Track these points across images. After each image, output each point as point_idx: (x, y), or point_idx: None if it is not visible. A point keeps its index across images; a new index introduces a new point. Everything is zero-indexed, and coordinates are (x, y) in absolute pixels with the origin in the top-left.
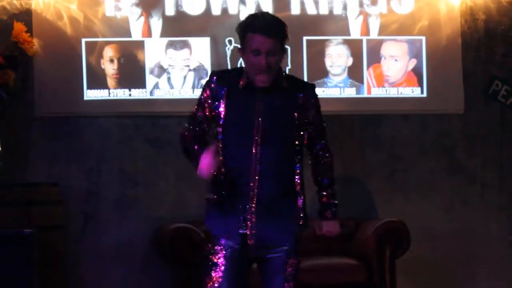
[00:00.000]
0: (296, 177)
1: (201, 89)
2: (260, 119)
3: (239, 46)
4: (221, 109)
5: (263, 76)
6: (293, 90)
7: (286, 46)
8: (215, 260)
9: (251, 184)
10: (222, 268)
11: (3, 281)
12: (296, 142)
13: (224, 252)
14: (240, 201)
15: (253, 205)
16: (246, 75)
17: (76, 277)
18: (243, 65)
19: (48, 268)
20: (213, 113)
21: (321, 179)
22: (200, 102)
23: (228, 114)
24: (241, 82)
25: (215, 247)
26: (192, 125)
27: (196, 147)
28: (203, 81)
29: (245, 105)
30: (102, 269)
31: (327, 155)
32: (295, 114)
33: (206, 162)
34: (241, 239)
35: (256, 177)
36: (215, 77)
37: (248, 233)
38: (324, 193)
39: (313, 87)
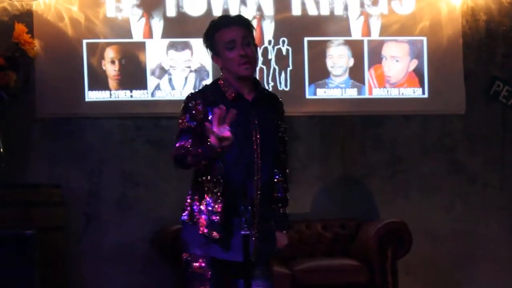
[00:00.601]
0: (280, 186)
1: (183, 108)
2: (256, 132)
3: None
4: None
5: (246, 64)
6: (273, 101)
7: (287, 47)
8: (202, 270)
9: (255, 200)
10: (208, 276)
11: (4, 282)
12: (280, 150)
13: (205, 259)
14: (240, 204)
15: (256, 222)
16: (229, 84)
17: (77, 278)
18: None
19: (49, 269)
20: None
21: (282, 195)
22: (189, 117)
23: None
24: (229, 94)
25: (200, 258)
26: (185, 138)
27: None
28: (204, 82)
29: (240, 120)
30: (103, 270)
31: (286, 169)
32: (278, 124)
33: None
34: (243, 242)
35: (259, 192)
36: (198, 96)
37: (253, 248)
38: (283, 207)
39: (281, 100)
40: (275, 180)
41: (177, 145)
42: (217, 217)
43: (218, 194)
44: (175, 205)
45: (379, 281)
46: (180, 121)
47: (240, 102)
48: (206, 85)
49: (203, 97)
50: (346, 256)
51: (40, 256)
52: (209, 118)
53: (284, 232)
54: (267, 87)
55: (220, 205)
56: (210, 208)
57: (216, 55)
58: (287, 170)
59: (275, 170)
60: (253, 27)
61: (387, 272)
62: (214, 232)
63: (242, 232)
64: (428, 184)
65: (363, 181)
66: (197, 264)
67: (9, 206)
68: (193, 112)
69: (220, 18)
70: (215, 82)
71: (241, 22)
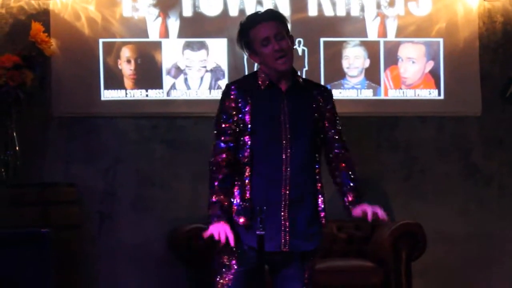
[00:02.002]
0: (317, 176)
1: (219, 104)
2: (287, 120)
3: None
4: (247, 116)
5: (282, 59)
6: (311, 90)
7: (303, 48)
8: (227, 263)
9: (283, 191)
10: (233, 271)
11: (20, 280)
12: (317, 141)
13: (236, 255)
14: (271, 200)
15: (286, 210)
16: (265, 74)
17: (92, 277)
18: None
19: (64, 268)
20: (237, 125)
21: (346, 175)
22: (225, 115)
23: (255, 120)
24: (262, 83)
25: (228, 251)
26: (222, 147)
27: (220, 176)
28: (220, 82)
29: (270, 108)
30: (118, 269)
31: (347, 153)
32: (315, 113)
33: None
34: (258, 241)
35: (288, 182)
36: (233, 86)
37: (282, 239)
38: (353, 184)
39: (327, 87)
40: (343, 166)
41: (215, 155)
42: (245, 204)
43: (246, 182)
44: (190, 205)
45: (393, 282)
46: (217, 114)
47: (272, 91)
48: (246, 74)
49: (238, 86)
50: (361, 257)
51: (55, 254)
52: (240, 107)
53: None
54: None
55: (248, 192)
56: (238, 197)
57: (253, 53)
58: (351, 160)
59: (333, 158)
60: (285, 19)
61: (401, 274)
62: (241, 218)
63: (258, 232)
64: (443, 186)
65: (378, 183)
66: (224, 256)
67: (25, 205)
68: (228, 100)
69: (251, 16)
70: (254, 72)
71: (273, 17)
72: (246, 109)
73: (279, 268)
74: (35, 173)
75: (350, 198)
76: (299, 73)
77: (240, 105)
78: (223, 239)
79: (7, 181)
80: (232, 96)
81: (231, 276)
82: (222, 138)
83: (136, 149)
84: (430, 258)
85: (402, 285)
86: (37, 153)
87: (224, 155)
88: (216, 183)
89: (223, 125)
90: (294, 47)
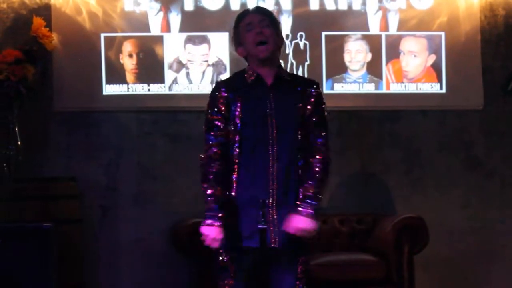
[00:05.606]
0: (300, 171)
1: (209, 100)
2: (273, 115)
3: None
4: (237, 114)
5: (263, 46)
6: (297, 84)
7: (305, 42)
8: (226, 264)
9: (270, 187)
10: (233, 273)
11: (22, 274)
12: (300, 137)
13: (234, 255)
14: (259, 196)
15: (274, 207)
16: (251, 68)
17: (94, 271)
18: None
19: (66, 262)
20: (226, 121)
21: (310, 175)
22: (215, 109)
23: (245, 117)
24: (251, 78)
25: (223, 252)
26: (212, 140)
27: (214, 169)
28: (221, 77)
29: (258, 103)
30: (120, 263)
31: (324, 151)
32: (300, 108)
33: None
34: (260, 236)
35: (275, 178)
36: (223, 85)
37: (272, 234)
38: (308, 187)
39: (316, 83)
40: (313, 165)
41: (206, 149)
42: (230, 202)
43: (233, 179)
44: (192, 199)
45: (396, 276)
46: (206, 109)
47: (258, 85)
48: (235, 72)
49: (227, 84)
50: (363, 251)
51: (57, 248)
52: (230, 106)
53: (301, 214)
54: None
55: (233, 192)
56: (226, 193)
57: (239, 45)
58: (323, 157)
59: (311, 159)
60: (274, 17)
61: (403, 267)
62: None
63: (259, 226)
64: (445, 180)
65: (380, 176)
66: (221, 258)
67: (27, 199)
68: (217, 104)
69: (244, 10)
70: (243, 69)
71: (261, 11)
72: (237, 107)
73: (272, 262)
74: (37, 167)
75: (305, 193)
76: (294, 70)
77: (230, 103)
78: (208, 242)
79: (9, 176)
80: (223, 94)
81: (232, 278)
82: (212, 132)
83: (138, 144)
84: (432, 252)
85: (404, 279)
86: (38, 147)
87: (215, 149)
88: (210, 177)
89: (212, 119)
90: (296, 41)
